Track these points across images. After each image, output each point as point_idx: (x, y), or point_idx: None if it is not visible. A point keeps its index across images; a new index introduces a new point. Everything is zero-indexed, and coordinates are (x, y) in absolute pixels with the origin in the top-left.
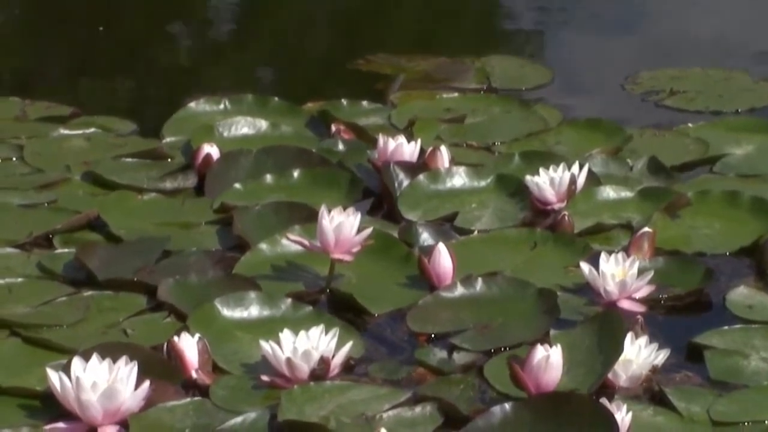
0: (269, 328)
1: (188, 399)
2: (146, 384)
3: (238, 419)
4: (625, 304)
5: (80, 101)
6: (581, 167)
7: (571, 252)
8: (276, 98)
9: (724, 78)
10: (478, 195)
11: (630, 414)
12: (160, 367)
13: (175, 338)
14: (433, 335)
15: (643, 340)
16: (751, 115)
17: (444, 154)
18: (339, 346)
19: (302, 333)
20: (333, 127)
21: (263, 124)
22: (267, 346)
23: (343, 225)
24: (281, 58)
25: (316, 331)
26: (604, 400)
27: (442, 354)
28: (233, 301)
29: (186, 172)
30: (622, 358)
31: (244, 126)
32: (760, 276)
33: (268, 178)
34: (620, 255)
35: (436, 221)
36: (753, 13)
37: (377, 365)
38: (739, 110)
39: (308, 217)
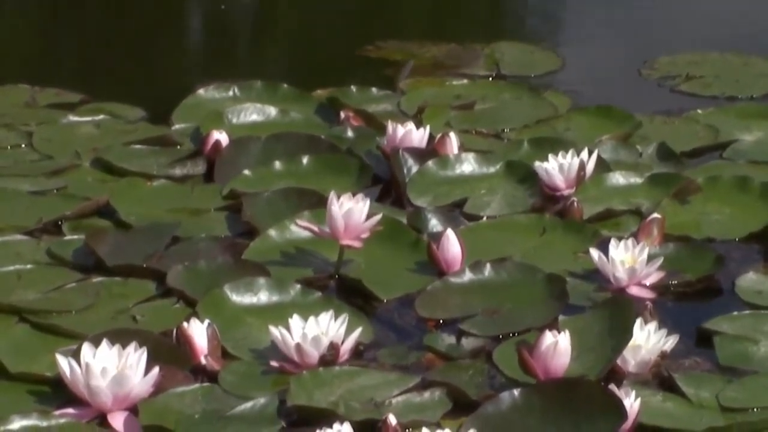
0: (278, 313)
1: (197, 385)
2: (156, 370)
3: (248, 405)
4: (635, 291)
5: (89, 88)
6: (590, 153)
7: (581, 238)
8: (285, 85)
9: (742, 63)
10: (488, 181)
11: (639, 400)
12: (170, 353)
13: (185, 324)
14: (441, 321)
15: (653, 325)
16: (764, 100)
17: (453, 141)
18: (348, 331)
19: (311, 318)
20: (342, 114)
21: (272, 110)
22: (276, 331)
23: (352, 211)
24: (291, 45)
25: (326, 316)
26: (612, 386)
27: (450, 339)
28: (242, 286)
29: (195, 158)
30: (631, 343)
31: (253, 113)
32: None
33: (277, 164)
34: (630, 241)
35: (445, 207)
36: None
37: (386, 351)
38: (755, 96)
39: (317, 204)
